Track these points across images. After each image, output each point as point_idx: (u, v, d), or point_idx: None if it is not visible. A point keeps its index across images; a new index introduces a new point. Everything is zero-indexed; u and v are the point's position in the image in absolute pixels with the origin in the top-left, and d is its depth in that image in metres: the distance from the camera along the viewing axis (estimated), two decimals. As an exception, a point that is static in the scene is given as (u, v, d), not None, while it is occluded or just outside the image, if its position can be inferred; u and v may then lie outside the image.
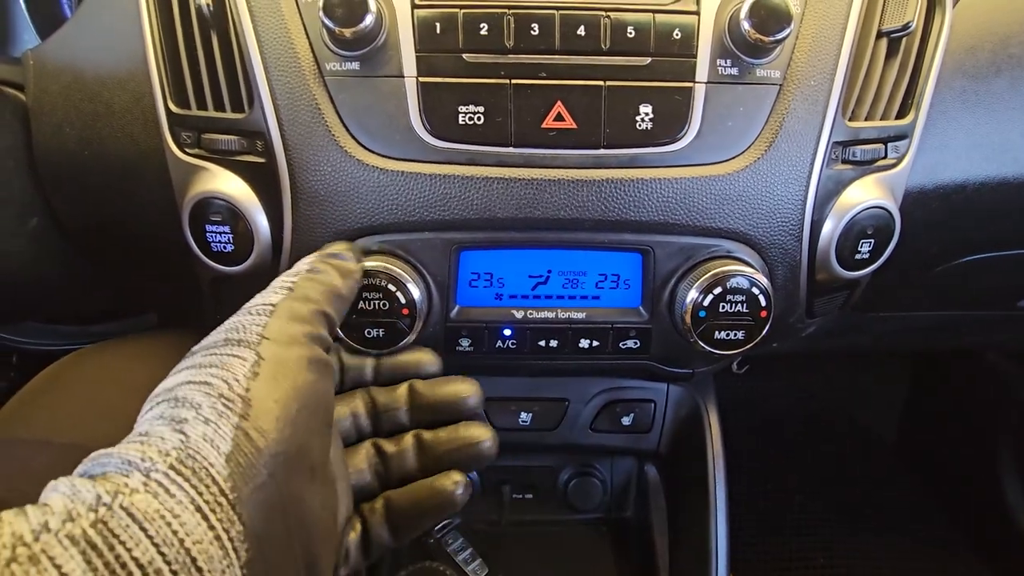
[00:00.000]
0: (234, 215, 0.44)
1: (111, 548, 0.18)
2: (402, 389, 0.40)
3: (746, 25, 0.41)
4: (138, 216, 0.49)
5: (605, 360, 0.49)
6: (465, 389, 0.39)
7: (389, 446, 0.39)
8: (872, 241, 0.47)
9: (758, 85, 0.43)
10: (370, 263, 0.42)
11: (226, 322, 0.29)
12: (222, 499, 0.21)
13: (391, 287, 0.42)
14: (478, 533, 0.84)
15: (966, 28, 0.50)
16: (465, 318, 0.46)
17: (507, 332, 0.47)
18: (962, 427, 1.15)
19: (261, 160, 0.44)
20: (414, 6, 0.42)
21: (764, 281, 0.44)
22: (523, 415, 0.67)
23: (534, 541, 0.84)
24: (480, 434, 0.38)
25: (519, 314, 0.47)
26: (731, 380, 1.24)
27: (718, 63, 0.43)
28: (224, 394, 0.24)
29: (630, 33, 0.42)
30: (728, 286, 0.43)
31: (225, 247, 0.46)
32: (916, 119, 0.47)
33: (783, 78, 0.44)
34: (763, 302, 0.43)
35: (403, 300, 0.42)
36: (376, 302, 0.42)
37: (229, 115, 0.44)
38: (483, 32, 0.42)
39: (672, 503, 0.69)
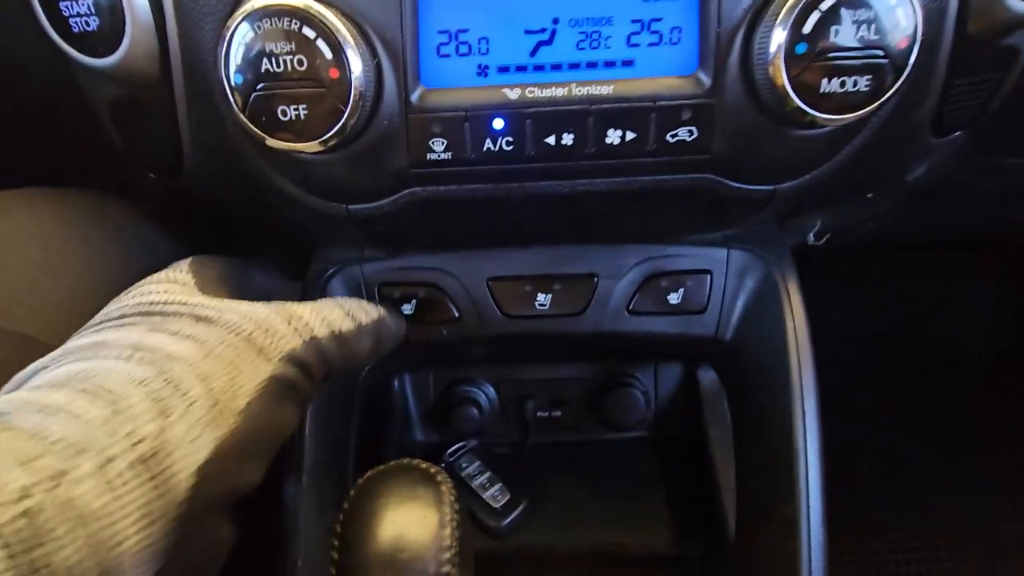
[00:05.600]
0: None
1: (32, 547, 0.16)
2: None
3: None
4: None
5: (644, 167, 0.34)
6: None
7: None
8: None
9: None
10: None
11: (261, 308, 0.27)
12: (173, 507, 0.20)
13: (308, 33, 0.27)
14: (498, 456, 0.72)
15: None
16: (434, 105, 0.31)
17: (498, 123, 0.32)
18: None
19: None
20: None
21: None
22: (541, 298, 0.52)
23: (564, 465, 0.71)
24: None
25: (513, 94, 0.31)
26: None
27: None
28: (221, 404, 0.22)
29: None
30: None
31: (87, 23, 0.32)
32: None
33: None
34: (903, 19, 0.27)
35: (328, 55, 0.27)
36: (287, 60, 0.28)
37: None
38: None
39: (737, 407, 0.54)
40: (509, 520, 0.63)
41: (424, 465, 0.35)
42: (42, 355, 0.24)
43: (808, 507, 0.43)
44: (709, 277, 0.51)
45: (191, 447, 0.20)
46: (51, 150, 0.55)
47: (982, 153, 0.47)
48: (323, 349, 0.27)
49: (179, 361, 0.22)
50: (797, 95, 0.28)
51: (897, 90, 0.28)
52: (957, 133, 0.44)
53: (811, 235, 0.61)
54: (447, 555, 0.31)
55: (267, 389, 0.23)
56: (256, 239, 0.68)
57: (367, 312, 0.33)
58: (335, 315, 0.30)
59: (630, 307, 0.52)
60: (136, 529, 0.18)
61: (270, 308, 0.27)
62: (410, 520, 0.31)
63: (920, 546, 0.76)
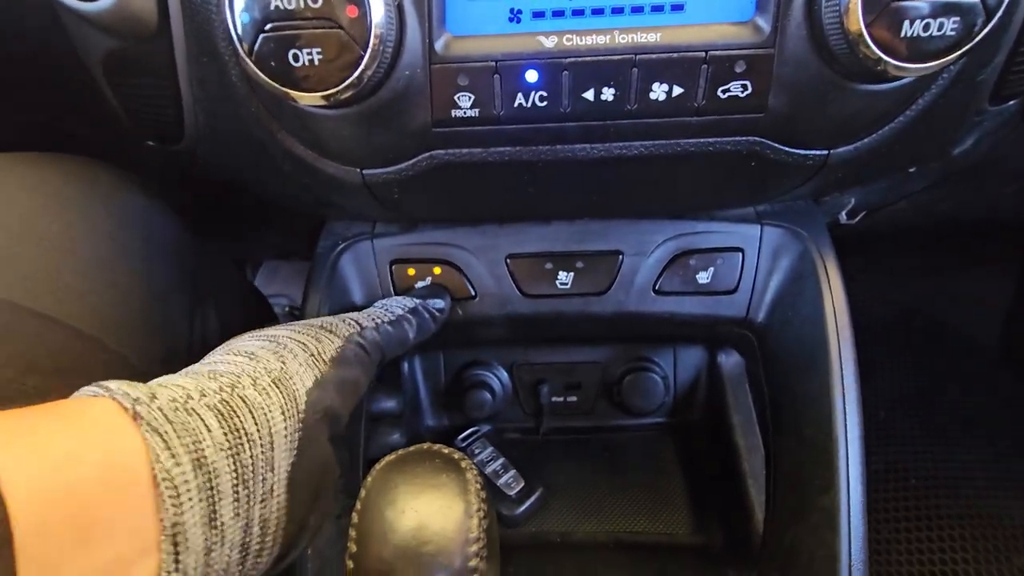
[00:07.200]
0: None
1: (232, 416, 0.27)
2: None
3: None
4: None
5: (689, 128, 0.31)
6: None
7: None
8: None
9: None
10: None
11: (324, 318, 0.39)
12: (297, 413, 0.30)
13: (324, -35, 0.24)
14: (511, 443, 0.70)
15: None
16: (461, 54, 0.28)
17: (531, 75, 0.29)
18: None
19: None
20: None
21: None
22: (562, 276, 0.50)
23: (580, 451, 0.69)
24: None
25: (549, 42, 0.28)
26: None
27: None
28: (314, 355, 0.33)
29: None
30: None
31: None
32: None
33: None
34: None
35: (347, -10, 0.24)
36: (301, -4, 0.24)
37: None
38: None
39: (768, 392, 0.51)
40: (524, 508, 0.61)
41: (446, 450, 0.32)
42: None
43: (848, 498, 0.40)
44: (741, 255, 0.48)
45: (301, 376, 0.31)
46: (48, 117, 0.52)
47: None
48: (369, 335, 0.38)
49: (283, 336, 0.34)
50: (873, 40, 0.25)
51: (984, 37, 0.25)
52: (1012, 102, 0.41)
53: (844, 213, 0.58)
54: (474, 547, 0.28)
55: (340, 351, 0.34)
56: (260, 214, 0.65)
57: (404, 306, 0.43)
58: (377, 312, 0.41)
59: (656, 287, 0.49)
60: (281, 418, 0.29)
61: (333, 316, 0.39)
62: (433, 510, 0.29)
63: (967, 545, 0.74)
